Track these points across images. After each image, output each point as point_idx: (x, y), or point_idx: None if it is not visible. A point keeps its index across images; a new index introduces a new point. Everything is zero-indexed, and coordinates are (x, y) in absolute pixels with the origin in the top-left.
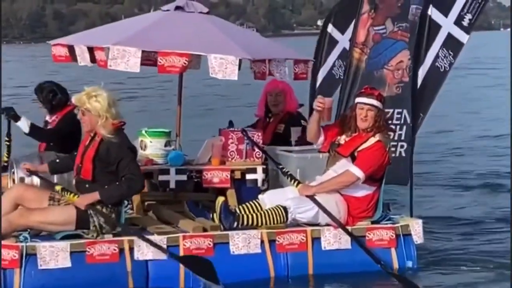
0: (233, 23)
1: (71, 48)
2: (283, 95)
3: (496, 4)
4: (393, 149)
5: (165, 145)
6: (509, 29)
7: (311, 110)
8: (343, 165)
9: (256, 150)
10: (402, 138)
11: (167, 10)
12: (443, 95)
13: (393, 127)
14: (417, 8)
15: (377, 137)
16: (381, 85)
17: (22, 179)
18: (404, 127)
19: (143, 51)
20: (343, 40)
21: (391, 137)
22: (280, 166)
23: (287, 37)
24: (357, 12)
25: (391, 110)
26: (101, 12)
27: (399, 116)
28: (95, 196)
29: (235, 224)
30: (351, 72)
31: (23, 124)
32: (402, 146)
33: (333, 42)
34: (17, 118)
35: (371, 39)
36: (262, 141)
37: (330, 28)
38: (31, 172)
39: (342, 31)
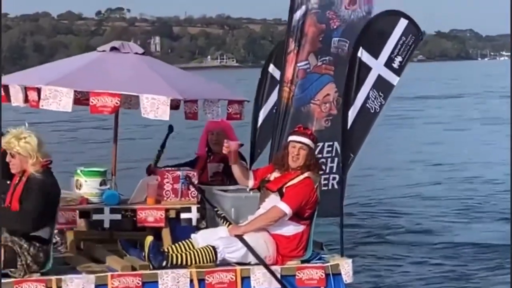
0: (169, 64)
1: (6, 88)
2: (224, 133)
3: (474, 34)
4: (325, 182)
5: (100, 184)
6: (486, 59)
7: (252, 149)
8: (272, 201)
9: (192, 189)
10: (334, 170)
11: (103, 51)
12: None
13: (324, 160)
14: (340, 41)
15: (306, 174)
16: (309, 120)
17: None
18: (336, 159)
19: (76, 91)
20: None
21: (322, 171)
22: (216, 209)
23: None
24: (284, 51)
25: (321, 144)
26: (81, 44)
27: (329, 149)
28: None
29: (164, 263)
30: (281, 111)
31: None
32: (334, 178)
33: (274, 82)
34: None
35: (295, 76)
36: (198, 180)
37: (271, 68)
38: None
39: None
